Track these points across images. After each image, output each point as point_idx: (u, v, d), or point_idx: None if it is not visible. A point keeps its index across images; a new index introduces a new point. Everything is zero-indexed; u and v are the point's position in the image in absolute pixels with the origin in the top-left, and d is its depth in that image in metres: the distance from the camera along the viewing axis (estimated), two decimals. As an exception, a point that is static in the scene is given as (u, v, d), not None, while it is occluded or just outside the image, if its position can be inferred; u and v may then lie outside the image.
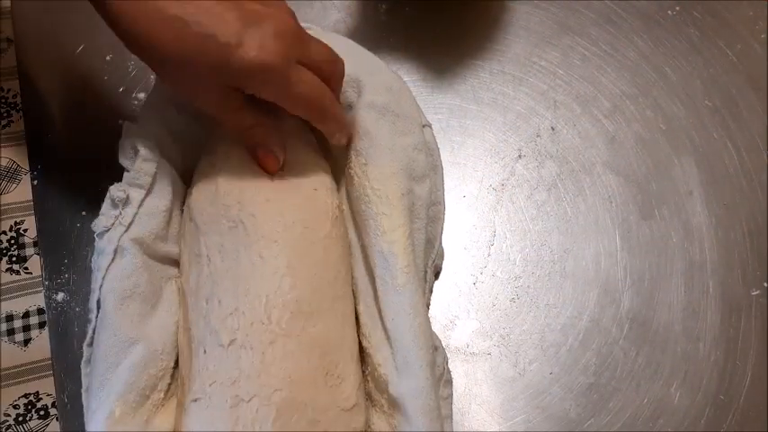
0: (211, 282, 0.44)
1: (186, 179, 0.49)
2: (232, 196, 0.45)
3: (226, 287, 0.43)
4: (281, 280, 0.43)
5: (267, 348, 0.41)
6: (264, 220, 0.44)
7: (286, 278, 0.43)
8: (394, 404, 0.43)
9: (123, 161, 0.48)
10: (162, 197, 0.46)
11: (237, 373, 0.41)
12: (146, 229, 0.45)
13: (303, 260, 0.44)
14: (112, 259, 0.44)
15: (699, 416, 0.48)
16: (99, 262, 0.45)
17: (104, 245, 0.45)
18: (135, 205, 0.45)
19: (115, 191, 0.46)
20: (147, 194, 0.46)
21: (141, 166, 0.46)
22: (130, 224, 0.45)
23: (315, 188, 0.46)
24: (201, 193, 0.47)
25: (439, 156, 0.52)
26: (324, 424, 0.41)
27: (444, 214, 0.51)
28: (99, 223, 0.46)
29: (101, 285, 0.44)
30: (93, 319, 0.44)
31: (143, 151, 0.46)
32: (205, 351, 0.42)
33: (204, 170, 0.48)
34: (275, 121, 0.46)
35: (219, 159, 0.47)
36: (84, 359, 0.44)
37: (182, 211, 0.48)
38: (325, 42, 0.51)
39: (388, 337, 0.44)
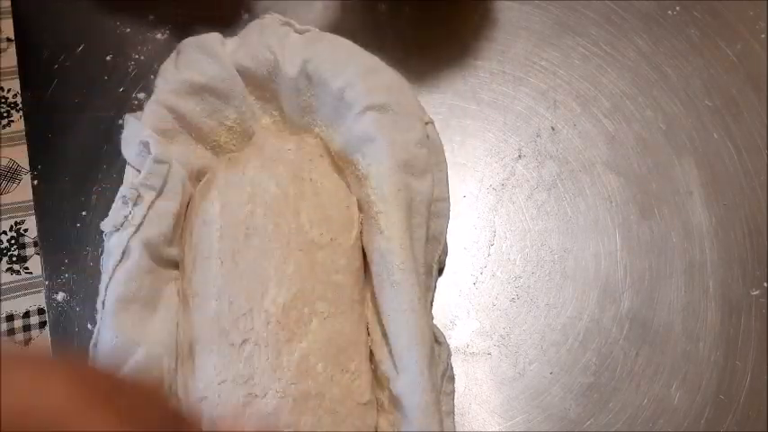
0: (222, 283, 0.44)
1: (190, 175, 0.50)
2: (259, 205, 0.46)
3: (239, 289, 0.44)
4: (302, 283, 0.44)
5: (284, 346, 0.42)
6: (291, 231, 0.45)
7: (308, 282, 0.44)
8: (394, 401, 0.44)
9: (129, 156, 0.48)
10: (172, 200, 0.47)
11: (250, 371, 0.41)
12: (155, 231, 0.45)
13: (327, 267, 0.45)
14: (120, 260, 0.44)
15: (699, 416, 0.48)
16: (107, 263, 0.45)
17: (113, 246, 0.45)
18: (145, 206, 0.45)
19: (126, 191, 0.46)
20: (157, 196, 0.46)
21: (154, 167, 0.46)
22: (140, 225, 0.45)
23: (347, 206, 0.48)
24: (223, 199, 0.47)
25: (443, 152, 0.52)
26: (342, 415, 0.42)
27: (449, 210, 0.51)
28: (108, 223, 0.46)
29: (107, 286, 0.44)
30: (99, 320, 0.44)
31: (155, 152, 0.46)
32: (212, 350, 0.43)
33: (231, 179, 0.48)
34: None
35: (250, 170, 0.48)
36: (89, 360, 0.44)
37: (185, 212, 0.49)
38: (325, 43, 0.51)
39: (385, 335, 0.45)
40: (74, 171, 0.53)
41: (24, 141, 0.55)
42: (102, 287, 0.44)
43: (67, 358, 0.35)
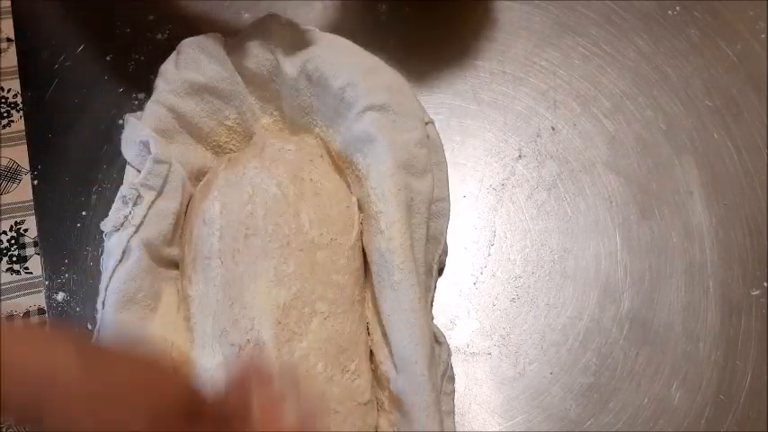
0: (223, 284, 0.44)
1: (190, 175, 0.50)
2: (259, 206, 0.46)
3: (240, 289, 0.44)
4: (302, 284, 0.44)
5: (283, 346, 0.42)
6: (291, 231, 0.45)
7: (308, 282, 0.44)
8: (394, 401, 0.44)
9: (129, 156, 0.48)
10: (172, 199, 0.47)
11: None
12: (155, 231, 0.45)
13: (327, 267, 0.45)
14: (120, 260, 0.44)
15: (699, 416, 0.48)
16: (107, 263, 0.45)
17: (113, 246, 0.45)
18: (145, 206, 0.45)
19: (126, 191, 0.46)
20: (157, 196, 0.46)
21: (154, 167, 0.46)
22: (140, 225, 0.45)
23: (347, 206, 0.48)
24: (223, 199, 0.47)
25: (443, 152, 0.52)
26: (342, 414, 0.42)
27: (449, 211, 0.51)
28: (108, 223, 0.46)
29: (107, 286, 0.44)
30: (99, 320, 0.44)
31: (155, 152, 0.46)
32: (212, 350, 0.43)
33: (231, 179, 0.48)
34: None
35: (250, 171, 0.48)
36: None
37: (185, 212, 0.49)
38: (325, 43, 0.51)
39: (385, 334, 0.45)
40: (74, 171, 0.53)
41: (24, 141, 0.55)
42: (102, 287, 0.45)
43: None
